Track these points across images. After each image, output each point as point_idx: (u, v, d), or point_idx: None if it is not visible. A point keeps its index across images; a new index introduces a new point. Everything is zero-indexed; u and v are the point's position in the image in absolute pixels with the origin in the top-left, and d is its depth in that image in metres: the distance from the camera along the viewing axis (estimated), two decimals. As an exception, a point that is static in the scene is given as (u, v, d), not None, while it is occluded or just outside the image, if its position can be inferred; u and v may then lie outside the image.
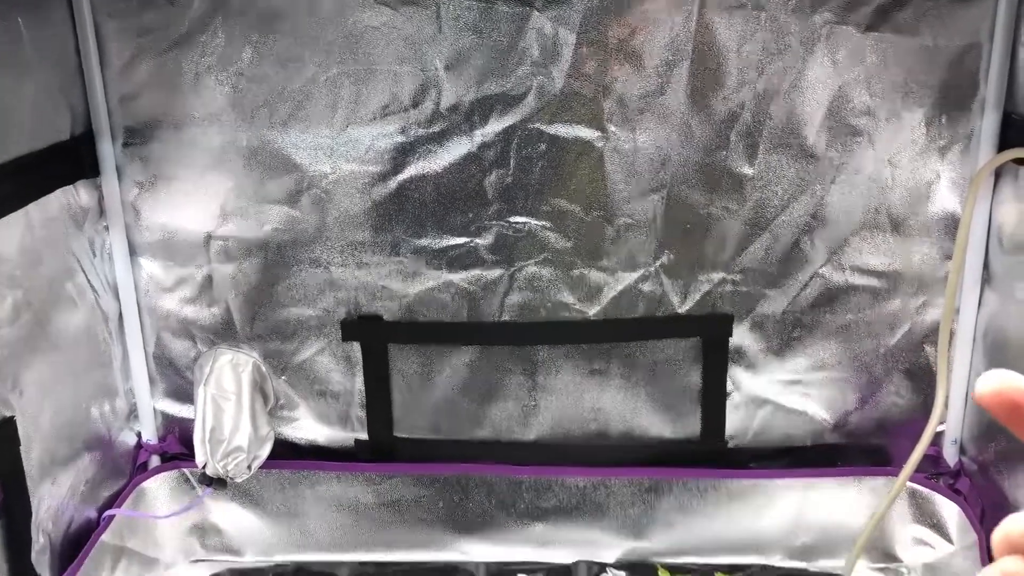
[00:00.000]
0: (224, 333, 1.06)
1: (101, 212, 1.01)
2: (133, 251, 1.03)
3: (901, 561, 1.06)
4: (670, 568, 0.66)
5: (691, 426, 1.07)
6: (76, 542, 0.97)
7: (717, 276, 1.01)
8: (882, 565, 1.07)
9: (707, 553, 1.05)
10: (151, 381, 1.09)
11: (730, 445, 1.07)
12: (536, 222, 0.99)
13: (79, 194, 0.97)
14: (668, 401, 1.06)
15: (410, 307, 1.03)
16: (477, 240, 1.00)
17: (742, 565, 1.01)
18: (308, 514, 1.11)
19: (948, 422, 1.04)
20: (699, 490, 1.07)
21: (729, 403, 1.06)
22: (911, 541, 1.05)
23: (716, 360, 1.03)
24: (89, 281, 0.99)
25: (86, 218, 0.99)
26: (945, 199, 0.98)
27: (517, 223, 0.99)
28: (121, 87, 0.96)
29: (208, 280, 1.04)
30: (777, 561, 1.06)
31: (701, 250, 1.00)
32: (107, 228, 1.02)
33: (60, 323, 0.94)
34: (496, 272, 1.01)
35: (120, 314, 1.05)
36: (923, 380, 1.04)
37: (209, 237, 1.02)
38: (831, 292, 1.01)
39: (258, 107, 0.96)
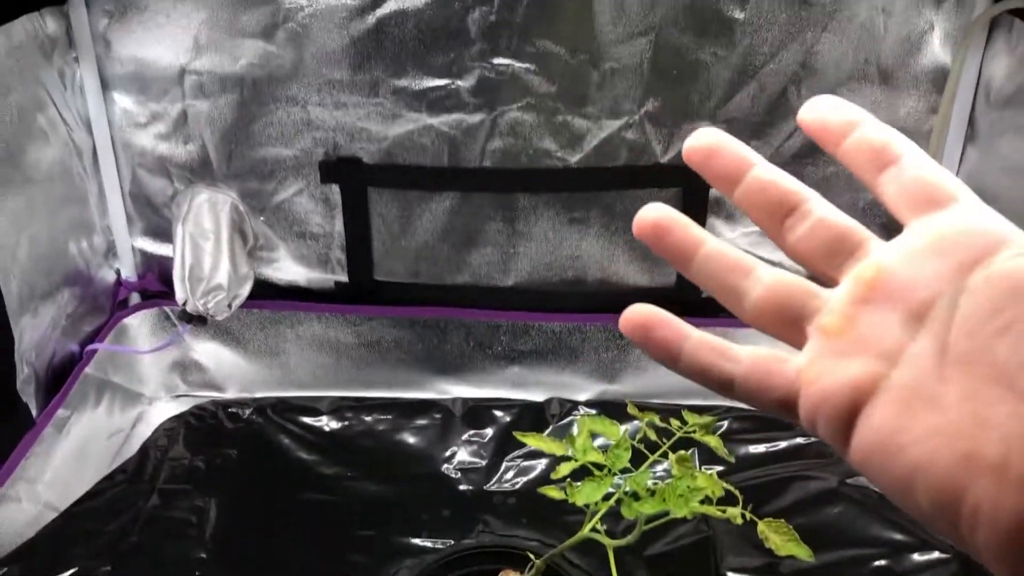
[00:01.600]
0: (201, 171, 1.04)
1: (70, 43, 0.98)
2: (105, 84, 1.01)
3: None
4: (639, 406, 0.69)
5: (667, 276, 1.08)
6: (60, 374, 0.99)
7: (701, 125, 1.00)
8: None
9: (675, 396, 1.08)
10: (128, 219, 1.08)
11: (704, 294, 1.08)
12: (520, 64, 0.97)
13: (45, 22, 0.94)
14: (646, 250, 1.05)
15: (389, 150, 1.02)
16: (458, 82, 0.98)
17: (708, 407, 1.05)
18: (289, 353, 1.13)
19: (919, 276, 1.06)
20: (672, 337, 1.09)
21: (706, 253, 1.07)
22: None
23: (695, 210, 1.04)
24: (61, 114, 0.97)
25: (55, 48, 0.95)
26: (936, 51, 0.96)
27: (500, 65, 0.97)
28: (84, -94, 0.91)
29: (183, 116, 1.02)
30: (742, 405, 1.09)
31: (687, 98, 0.98)
32: (77, 60, 0.99)
33: (32, 156, 0.92)
34: (478, 116, 0.99)
35: (94, 149, 1.04)
36: (899, 235, 1.05)
37: (183, 71, 0.99)
38: (814, 144, 1.00)
39: (230, -68, 0.92)
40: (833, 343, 0.27)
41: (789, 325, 0.28)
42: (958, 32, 0.95)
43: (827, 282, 0.29)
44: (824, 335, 0.27)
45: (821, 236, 0.29)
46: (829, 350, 0.27)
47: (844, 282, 0.28)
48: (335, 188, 1.05)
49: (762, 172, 0.30)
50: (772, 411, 0.28)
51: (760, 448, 0.97)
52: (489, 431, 1.01)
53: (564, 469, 0.58)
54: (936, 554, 0.79)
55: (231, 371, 1.14)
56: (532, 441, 0.60)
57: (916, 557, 0.79)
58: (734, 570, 0.80)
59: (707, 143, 0.30)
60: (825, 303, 0.28)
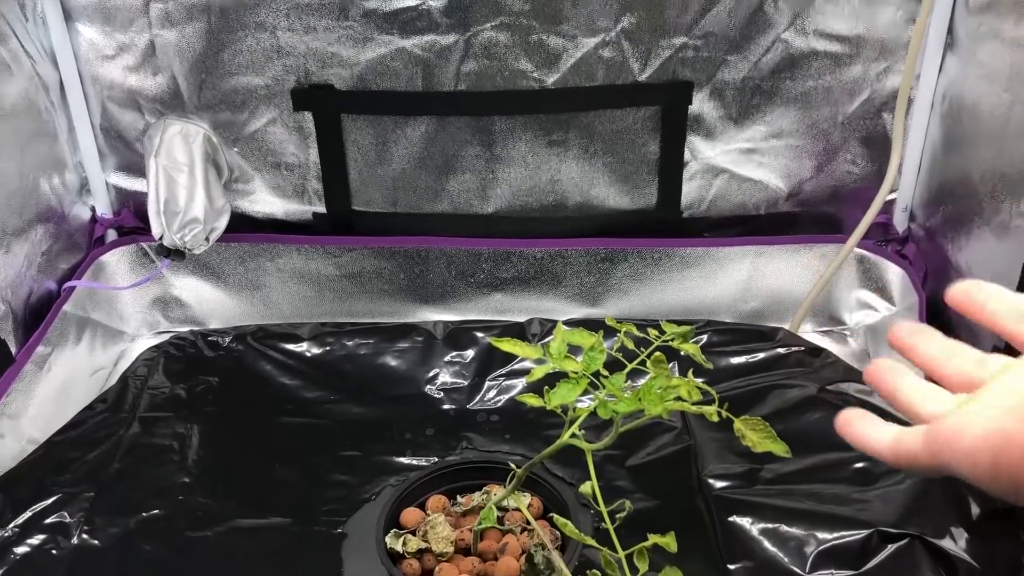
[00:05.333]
0: (172, 103, 1.03)
1: (29, -29, 0.96)
2: (68, 16, 0.98)
3: (845, 324, 1.10)
4: (618, 319, 0.69)
5: (648, 197, 1.07)
6: (38, 312, 0.99)
7: (678, 41, 0.98)
8: (827, 328, 1.11)
9: (659, 317, 1.08)
10: (100, 154, 1.07)
11: (685, 215, 1.08)
12: (491, -19, 0.95)
13: (2, -51, 0.91)
14: (626, 171, 1.06)
15: (362, 75, 1.00)
16: (429, 2, 0.96)
17: (689, 322, 1.05)
18: (270, 286, 1.12)
19: (900, 189, 1.06)
20: (653, 259, 1.09)
21: (686, 173, 1.06)
22: (856, 304, 1.09)
23: (675, 129, 1.03)
24: (24, 47, 0.95)
25: (13, -23, 0.93)
26: (915, -43, 0.94)
27: (471, -18, 0.95)
28: None
29: (151, 47, 0.99)
30: (726, 322, 1.10)
31: (663, 13, 0.97)
32: (37, -11, 0.97)
33: (-4, 89, 0.90)
34: (450, 38, 0.98)
35: (61, 83, 1.02)
36: (879, 148, 1.05)
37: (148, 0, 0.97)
38: (792, 58, 0.99)
39: None
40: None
41: None
42: (936, -64, 0.93)
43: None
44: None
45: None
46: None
47: None
48: (308, 116, 1.03)
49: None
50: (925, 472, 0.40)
51: (740, 359, 0.97)
52: (471, 352, 1.01)
53: (538, 372, 0.58)
54: (914, 455, 0.80)
55: (212, 306, 1.13)
56: (506, 346, 0.60)
57: (894, 458, 0.80)
58: (716, 477, 0.80)
59: (968, 289, 0.43)
60: None
